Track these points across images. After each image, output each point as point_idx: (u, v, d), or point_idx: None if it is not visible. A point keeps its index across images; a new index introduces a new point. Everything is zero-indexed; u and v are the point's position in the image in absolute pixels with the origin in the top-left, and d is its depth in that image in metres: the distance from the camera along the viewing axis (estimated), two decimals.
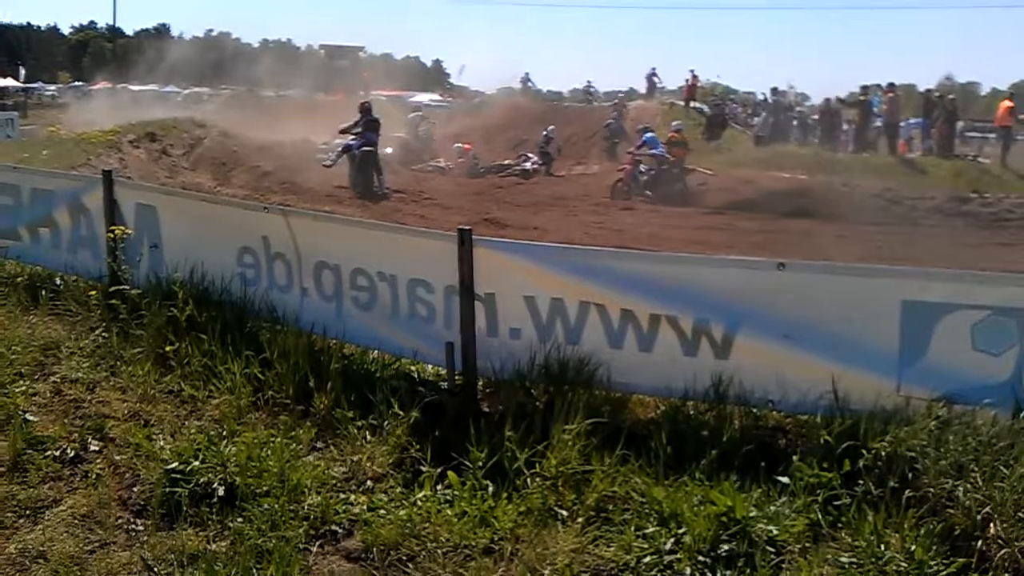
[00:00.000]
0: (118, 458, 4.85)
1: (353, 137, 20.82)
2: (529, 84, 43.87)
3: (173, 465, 4.53)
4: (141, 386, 5.77)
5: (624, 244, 14.37)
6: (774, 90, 32.07)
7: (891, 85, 27.21)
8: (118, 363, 6.14)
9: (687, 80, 43.81)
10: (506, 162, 28.34)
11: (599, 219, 18.75)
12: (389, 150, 27.62)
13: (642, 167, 23.32)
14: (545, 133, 29.52)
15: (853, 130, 29.62)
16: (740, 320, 5.19)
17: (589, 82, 46.71)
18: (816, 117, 32.12)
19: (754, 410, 5.20)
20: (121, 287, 6.85)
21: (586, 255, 5.99)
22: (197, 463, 4.55)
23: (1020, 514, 3.96)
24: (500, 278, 5.64)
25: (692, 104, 40.67)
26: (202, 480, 4.45)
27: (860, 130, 28.41)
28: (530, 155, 28.66)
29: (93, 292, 7.09)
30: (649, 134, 24.33)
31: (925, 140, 29.48)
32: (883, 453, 4.44)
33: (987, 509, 4.01)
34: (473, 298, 5.59)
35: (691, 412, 5.23)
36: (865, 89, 29.59)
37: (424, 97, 55.55)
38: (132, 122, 25.18)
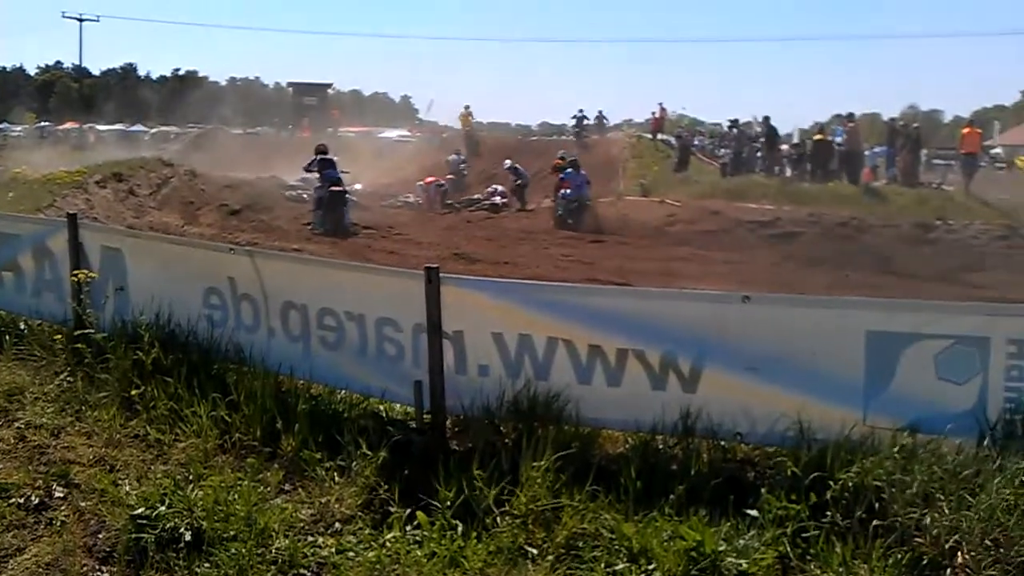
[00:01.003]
0: (83, 504, 4.79)
1: (318, 183, 20.79)
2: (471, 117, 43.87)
3: (139, 511, 4.46)
4: (106, 431, 5.71)
5: (593, 276, 14.46)
6: (734, 122, 32.27)
7: (850, 115, 27.59)
8: (83, 408, 6.07)
9: (654, 113, 44.30)
10: (475, 196, 28.41)
11: (568, 252, 18.81)
12: (359, 186, 27.67)
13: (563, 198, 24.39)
14: (508, 166, 29.44)
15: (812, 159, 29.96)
16: (707, 353, 5.21)
17: (581, 110, 45.85)
18: (785, 147, 32.49)
19: (722, 443, 5.20)
20: (86, 331, 6.79)
21: (553, 291, 6.02)
22: (163, 508, 4.48)
23: (987, 542, 3.99)
24: (468, 315, 5.63)
25: (659, 136, 41.06)
26: (168, 525, 4.38)
27: (823, 161, 28.69)
28: (499, 187, 28.70)
29: (58, 336, 7.02)
30: (569, 170, 25.34)
31: (890, 168, 29.86)
32: (850, 484, 4.45)
33: (955, 538, 4.04)
34: (441, 336, 5.57)
35: (660, 446, 5.23)
36: (820, 126, 29.96)
37: (393, 133, 55.60)
38: (99, 162, 25.07)
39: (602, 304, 5.54)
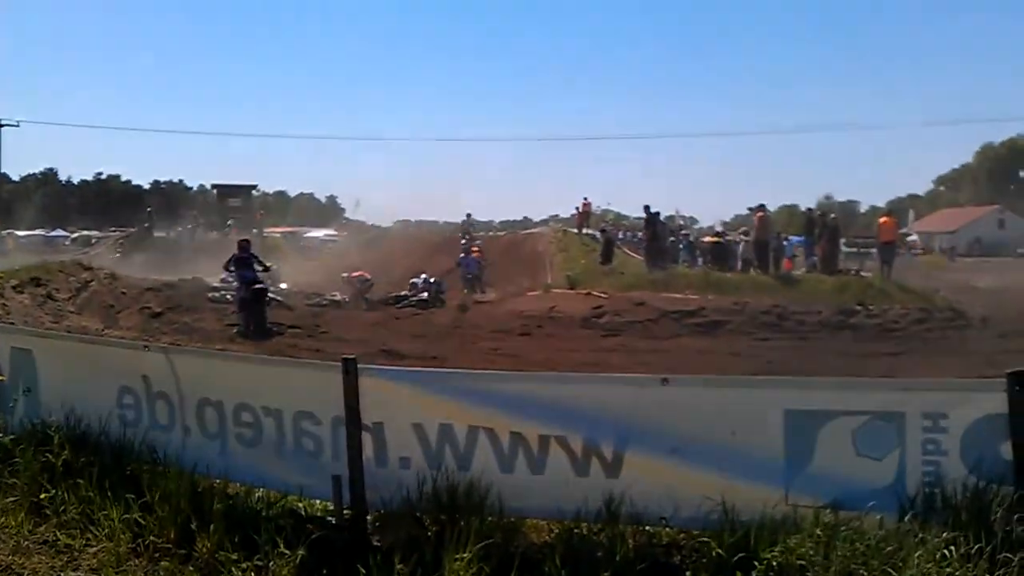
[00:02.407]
0: None
1: (237, 286, 20.61)
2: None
3: None
4: (14, 538, 5.50)
5: (520, 369, 14.41)
6: (646, 208, 32.89)
7: (761, 206, 28.28)
8: None
9: (578, 207, 45.10)
10: (402, 293, 28.33)
11: (496, 345, 18.80)
12: (284, 285, 27.49)
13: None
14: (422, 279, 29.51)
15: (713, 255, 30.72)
16: (629, 437, 5.20)
17: (468, 214, 50.03)
18: (705, 239, 33.19)
19: (647, 528, 5.16)
20: None
21: (472, 379, 5.96)
22: None
23: None
24: (387, 406, 5.56)
25: (585, 230, 41.74)
26: None
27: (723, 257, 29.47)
28: (419, 281, 28.67)
29: None
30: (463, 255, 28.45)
31: (809, 257, 30.65)
32: (775, 563, 4.45)
33: None
34: (360, 428, 5.50)
35: (584, 533, 5.16)
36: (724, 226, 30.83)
37: (319, 232, 55.76)
38: (16, 267, 24.56)
39: (522, 390, 5.51)
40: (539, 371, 12.99)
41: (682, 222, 46.19)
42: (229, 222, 47.89)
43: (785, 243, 34.34)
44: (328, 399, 5.58)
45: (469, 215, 51.35)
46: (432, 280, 28.79)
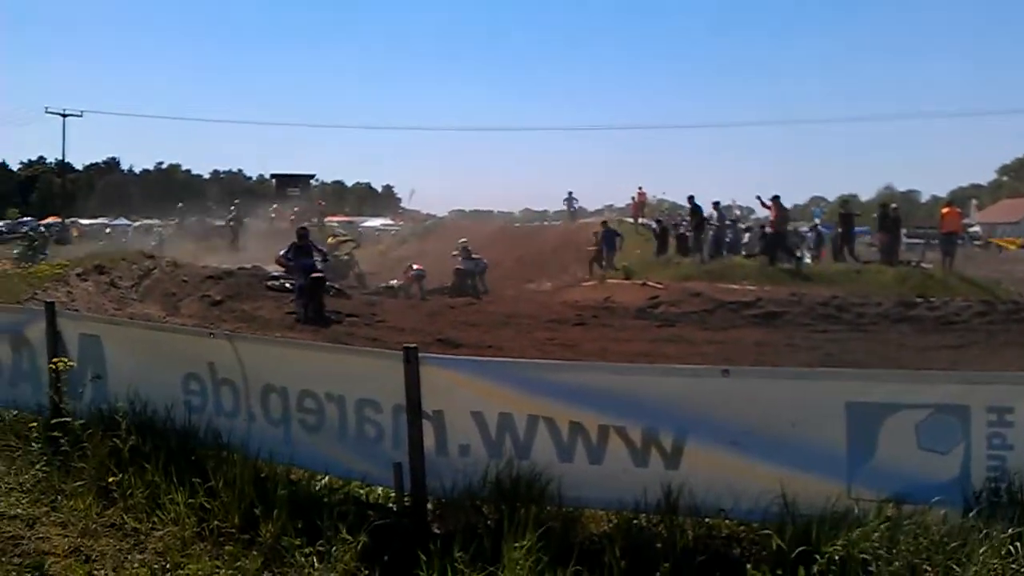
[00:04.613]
0: None
1: (295, 272, 20.72)
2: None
3: None
4: (82, 520, 5.63)
5: (576, 359, 14.39)
6: (716, 204, 32.74)
7: (775, 197, 27.73)
8: (59, 497, 6.00)
9: (633, 197, 44.81)
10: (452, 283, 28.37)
11: (552, 335, 18.75)
12: (362, 269, 28.13)
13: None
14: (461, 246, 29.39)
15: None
16: (688, 428, 5.19)
17: (571, 192, 49.02)
18: (759, 229, 32.78)
19: (706, 520, 5.15)
20: (63, 419, 6.72)
21: (532, 368, 5.98)
22: None
23: None
24: (447, 395, 5.61)
25: (640, 220, 41.47)
26: None
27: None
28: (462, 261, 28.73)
29: (34, 425, 6.96)
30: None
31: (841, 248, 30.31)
32: (836, 557, 4.40)
33: None
34: (421, 416, 5.54)
35: (643, 524, 5.17)
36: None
37: (376, 222, 56.10)
38: (80, 255, 25.05)
39: (582, 380, 5.52)
40: (595, 361, 12.98)
41: (738, 212, 45.67)
42: (289, 211, 48.51)
43: (811, 233, 34.28)
44: (389, 387, 5.63)
45: (571, 193, 50.60)
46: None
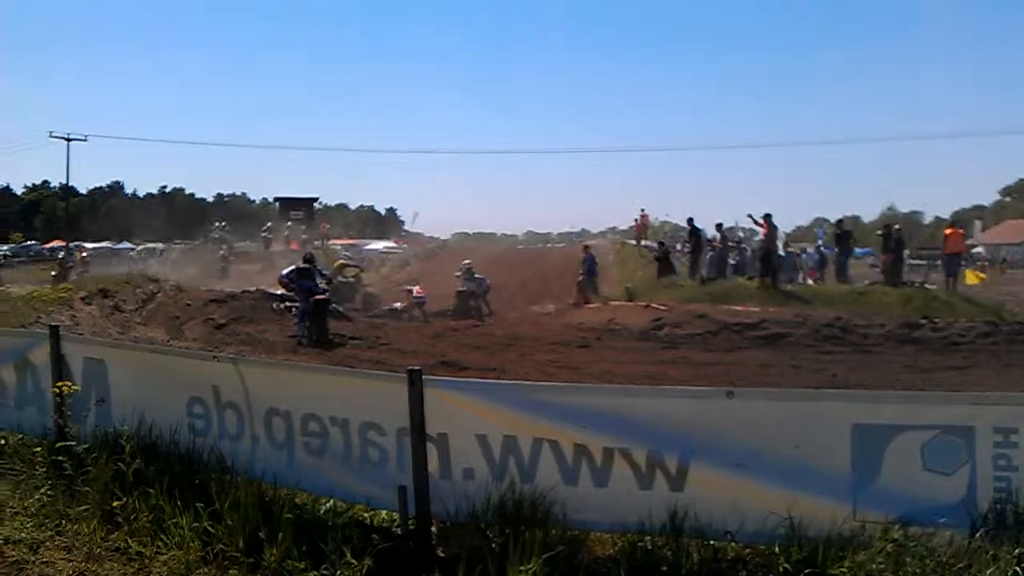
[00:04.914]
0: None
1: (298, 294, 20.76)
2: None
3: None
4: (87, 545, 5.63)
5: (580, 381, 14.38)
6: (718, 226, 32.80)
7: (767, 216, 27.70)
8: (63, 522, 5.99)
9: (636, 219, 44.97)
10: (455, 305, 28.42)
11: (555, 357, 18.75)
12: (371, 290, 28.21)
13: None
14: (465, 268, 29.46)
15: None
16: (693, 450, 5.18)
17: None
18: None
19: (712, 542, 5.13)
20: (67, 443, 6.72)
21: (536, 391, 5.96)
22: None
23: None
24: (452, 418, 5.60)
25: (643, 242, 41.56)
26: None
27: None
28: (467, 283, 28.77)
29: (38, 449, 6.96)
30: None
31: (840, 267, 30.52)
32: None
33: None
34: (425, 439, 5.55)
35: (649, 547, 5.14)
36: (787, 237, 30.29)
37: (380, 244, 56.25)
38: (109, 276, 25.09)
39: (587, 403, 5.50)
40: (599, 383, 12.97)
41: (742, 234, 45.80)
42: (291, 233, 48.62)
43: (804, 255, 34.47)
44: (393, 410, 5.63)
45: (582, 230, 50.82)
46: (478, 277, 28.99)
